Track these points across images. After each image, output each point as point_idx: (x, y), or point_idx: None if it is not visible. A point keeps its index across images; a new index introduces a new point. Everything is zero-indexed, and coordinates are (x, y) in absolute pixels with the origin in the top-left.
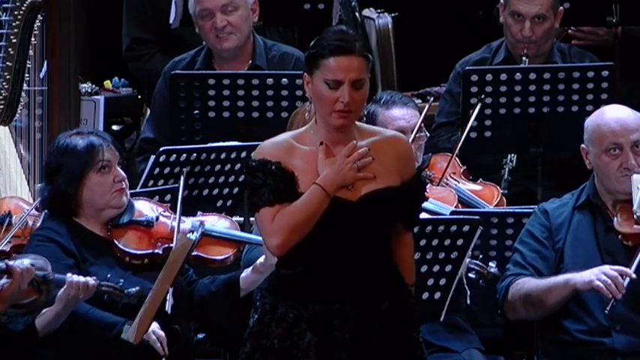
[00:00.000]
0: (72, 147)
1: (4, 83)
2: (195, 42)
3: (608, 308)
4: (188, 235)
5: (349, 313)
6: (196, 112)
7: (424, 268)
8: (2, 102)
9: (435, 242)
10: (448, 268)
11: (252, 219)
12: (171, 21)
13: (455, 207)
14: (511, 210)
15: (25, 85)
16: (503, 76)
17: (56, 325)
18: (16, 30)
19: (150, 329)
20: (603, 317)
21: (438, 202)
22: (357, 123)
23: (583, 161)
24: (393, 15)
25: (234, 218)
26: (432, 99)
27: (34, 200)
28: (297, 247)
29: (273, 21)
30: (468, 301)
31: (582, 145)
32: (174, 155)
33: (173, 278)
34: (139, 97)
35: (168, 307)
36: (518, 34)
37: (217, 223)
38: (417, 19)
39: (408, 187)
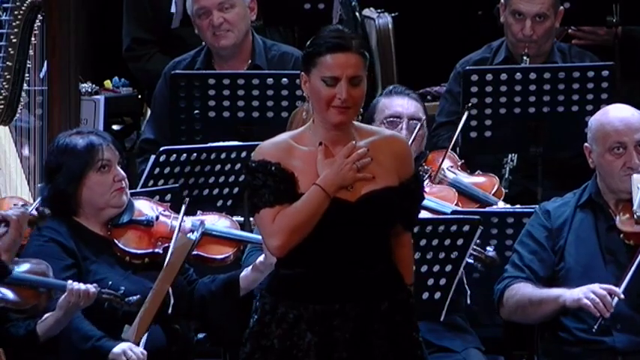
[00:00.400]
0: (72, 146)
1: (4, 83)
2: (195, 42)
3: (595, 327)
4: (188, 235)
5: (349, 313)
6: (196, 111)
7: (424, 268)
8: (2, 102)
9: (435, 242)
10: (448, 268)
11: (252, 219)
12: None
13: (455, 204)
14: (511, 210)
15: (25, 84)
16: (504, 76)
17: (57, 330)
18: (16, 30)
19: (122, 349)
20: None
21: (439, 200)
22: (355, 123)
23: (583, 161)
24: (393, 15)
25: (234, 218)
26: (431, 99)
27: (34, 200)
28: (296, 248)
29: (273, 21)
30: (468, 301)
31: (585, 144)
32: (175, 155)
33: (173, 278)
34: (139, 96)
35: (168, 308)
36: (519, 34)
37: (217, 222)
38: (417, 19)
39: (406, 187)
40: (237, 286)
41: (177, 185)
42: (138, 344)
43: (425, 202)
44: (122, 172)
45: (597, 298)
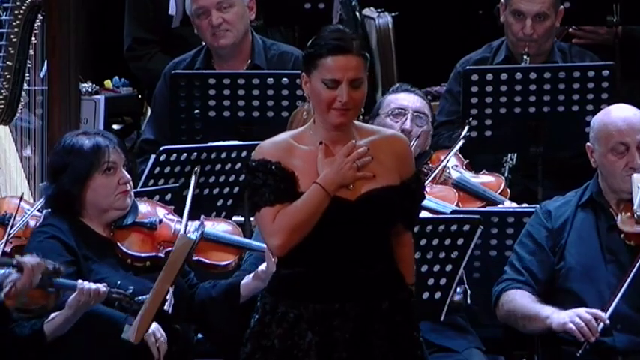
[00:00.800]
0: (78, 147)
1: (4, 83)
2: (196, 42)
3: (579, 352)
4: (188, 235)
5: (349, 312)
6: (197, 111)
7: (424, 268)
8: (3, 101)
9: (435, 242)
10: (448, 267)
11: (252, 219)
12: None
13: (456, 204)
14: (511, 210)
15: (25, 84)
16: (504, 76)
17: (65, 329)
18: (16, 29)
19: (151, 329)
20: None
21: (439, 201)
22: (356, 122)
23: (583, 161)
24: (393, 15)
25: (234, 218)
26: (432, 98)
27: (34, 200)
28: (297, 247)
29: (273, 21)
30: (469, 301)
31: (587, 144)
32: (175, 155)
33: (173, 278)
34: (140, 96)
35: (168, 307)
36: (519, 33)
37: (219, 227)
38: (417, 19)
39: (407, 187)
40: (237, 293)
41: (177, 185)
42: (138, 344)
43: (425, 203)
44: (127, 175)
45: (582, 323)
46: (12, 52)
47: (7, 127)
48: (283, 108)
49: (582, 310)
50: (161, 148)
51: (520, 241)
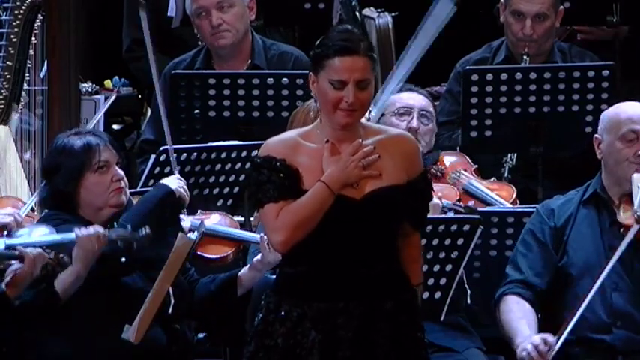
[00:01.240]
0: (69, 147)
1: (4, 83)
2: (194, 43)
3: None
4: (188, 235)
5: (353, 311)
6: (197, 111)
7: (425, 268)
8: (3, 101)
9: (435, 242)
10: (449, 267)
11: (252, 219)
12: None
13: (457, 201)
14: (511, 209)
15: (25, 84)
16: (504, 76)
17: (77, 285)
18: (16, 29)
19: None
20: (604, 313)
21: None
22: (362, 122)
23: (583, 160)
24: (393, 15)
25: (234, 218)
26: (432, 98)
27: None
28: (301, 245)
29: (273, 21)
30: (469, 301)
31: (595, 135)
32: (175, 155)
33: (173, 277)
34: (139, 96)
35: (168, 307)
36: (519, 33)
37: (217, 221)
38: (417, 19)
39: (414, 186)
40: (235, 285)
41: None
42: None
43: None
44: (121, 172)
45: (533, 352)
46: (12, 52)
47: (7, 127)
48: (283, 108)
49: (537, 338)
50: (161, 148)
51: (522, 239)
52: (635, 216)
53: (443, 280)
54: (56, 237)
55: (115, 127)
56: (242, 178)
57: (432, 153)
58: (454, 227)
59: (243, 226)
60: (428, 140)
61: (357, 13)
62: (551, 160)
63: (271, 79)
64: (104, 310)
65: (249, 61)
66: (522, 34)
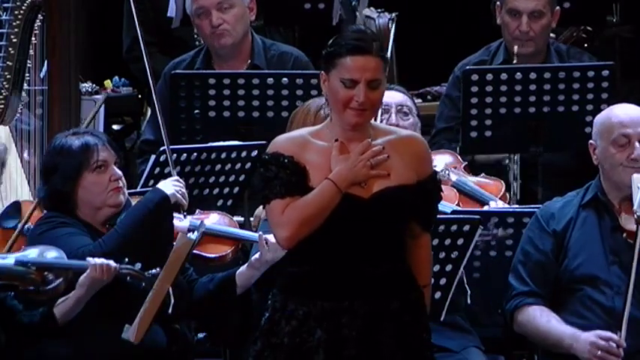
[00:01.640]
0: (67, 147)
1: (4, 83)
2: (194, 43)
3: None
4: (188, 235)
5: (358, 311)
6: (196, 111)
7: None
8: (3, 101)
9: (435, 242)
10: (448, 267)
11: (251, 219)
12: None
13: (457, 204)
14: (511, 210)
15: (25, 84)
16: (504, 76)
17: (76, 311)
18: (16, 29)
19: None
20: (607, 315)
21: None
22: (372, 122)
23: (582, 162)
24: (393, 15)
25: (234, 218)
26: (431, 99)
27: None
28: (307, 244)
29: (273, 21)
30: (469, 301)
31: (590, 141)
32: (175, 155)
33: (173, 277)
34: (139, 96)
35: (168, 307)
36: (515, 31)
37: (216, 221)
38: (417, 19)
39: (423, 186)
40: (234, 284)
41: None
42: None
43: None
44: (119, 171)
45: (604, 354)
46: (12, 52)
47: (7, 127)
48: (283, 108)
49: (599, 340)
50: (161, 149)
51: (522, 248)
52: (636, 216)
53: (443, 280)
54: (71, 262)
55: (115, 127)
56: (242, 178)
57: None
58: (454, 227)
59: (242, 226)
60: None
61: (357, 14)
62: (550, 162)
63: (271, 79)
64: (104, 310)
65: (249, 61)
66: (519, 31)
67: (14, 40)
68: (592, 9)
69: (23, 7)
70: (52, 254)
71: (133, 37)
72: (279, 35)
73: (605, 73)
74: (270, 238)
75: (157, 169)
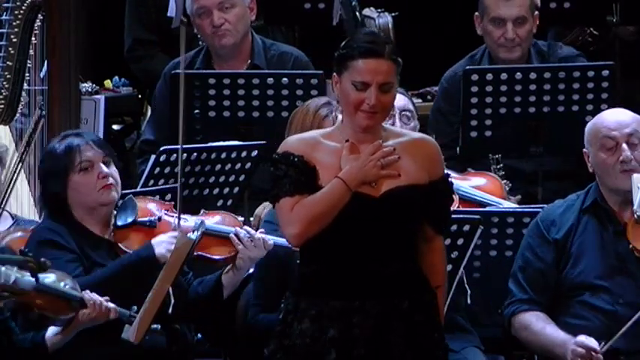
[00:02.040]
0: (53, 151)
1: (4, 83)
2: (195, 43)
3: None
4: (188, 235)
5: (369, 311)
6: (196, 111)
7: None
8: (3, 101)
9: None
10: (449, 267)
11: (251, 219)
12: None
13: (457, 206)
14: (511, 210)
15: (25, 84)
16: (504, 76)
17: (65, 341)
18: (16, 29)
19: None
20: (606, 315)
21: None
22: (384, 125)
23: (581, 163)
24: (393, 15)
25: None
26: (431, 99)
27: (35, 200)
28: (317, 243)
29: (273, 20)
30: (469, 301)
31: (584, 149)
32: (175, 155)
33: (173, 278)
34: (140, 96)
35: (168, 307)
36: (500, 39)
37: (220, 221)
38: (417, 19)
39: (434, 187)
40: (221, 286)
41: (177, 185)
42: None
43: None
44: (106, 169)
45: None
46: (12, 52)
47: (7, 127)
48: (283, 108)
49: (578, 348)
50: (161, 148)
51: (522, 254)
52: (635, 216)
53: None
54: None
55: (115, 127)
56: (242, 178)
57: None
58: (454, 227)
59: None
60: None
61: (357, 13)
62: (550, 163)
63: (271, 79)
64: (96, 331)
65: (249, 61)
66: (504, 38)
67: (14, 40)
68: (592, 9)
69: (23, 7)
70: (69, 282)
71: (134, 37)
72: (281, 35)
73: (605, 73)
74: (256, 233)
75: (157, 169)
